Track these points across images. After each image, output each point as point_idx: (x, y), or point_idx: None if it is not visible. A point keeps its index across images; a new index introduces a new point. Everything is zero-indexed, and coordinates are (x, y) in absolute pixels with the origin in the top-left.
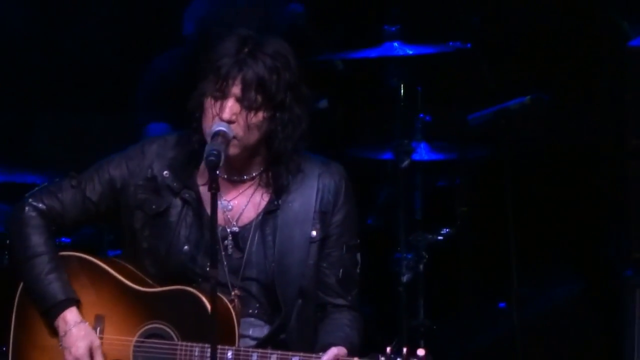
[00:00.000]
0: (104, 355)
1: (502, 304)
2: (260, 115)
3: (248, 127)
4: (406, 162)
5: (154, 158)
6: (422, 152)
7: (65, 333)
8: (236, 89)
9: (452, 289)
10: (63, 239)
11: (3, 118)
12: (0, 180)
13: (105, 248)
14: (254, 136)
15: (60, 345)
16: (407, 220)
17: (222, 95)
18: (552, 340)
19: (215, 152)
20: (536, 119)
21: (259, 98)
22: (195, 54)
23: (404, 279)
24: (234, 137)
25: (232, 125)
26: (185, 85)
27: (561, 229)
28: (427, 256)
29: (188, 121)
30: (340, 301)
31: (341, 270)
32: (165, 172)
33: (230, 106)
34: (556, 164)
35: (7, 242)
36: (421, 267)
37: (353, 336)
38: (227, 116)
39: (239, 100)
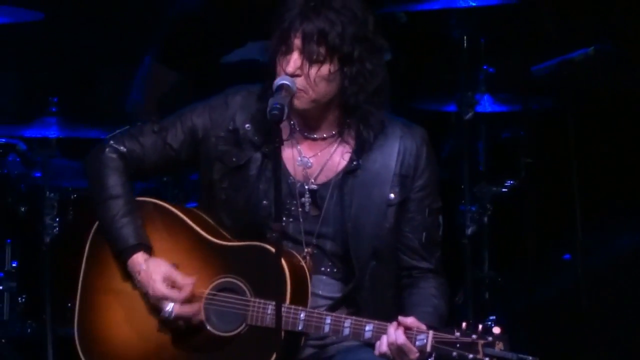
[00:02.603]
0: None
1: (566, 256)
2: (326, 68)
3: (313, 80)
4: (470, 114)
5: (237, 110)
6: (486, 104)
7: (139, 272)
8: (298, 42)
9: (516, 240)
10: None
11: (66, 74)
12: (63, 135)
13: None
14: (322, 89)
15: (138, 287)
16: (471, 172)
17: (287, 50)
18: (617, 291)
19: (278, 105)
20: (600, 70)
21: (322, 51)
22: None
23: (469, 231)
24: (300, 89)
25: (297, 79)
26: (212, 26)
27: (625, 180)
28: (491, 208)
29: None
30: (424, 264)
31: (424, 234)
32: (247, 125)
33: (294, 59)
34: (620, 114)
35: (87, 181)
36: (485, 219)
37: (441, 307)
38: (291, 69)
39: (301, 53)
